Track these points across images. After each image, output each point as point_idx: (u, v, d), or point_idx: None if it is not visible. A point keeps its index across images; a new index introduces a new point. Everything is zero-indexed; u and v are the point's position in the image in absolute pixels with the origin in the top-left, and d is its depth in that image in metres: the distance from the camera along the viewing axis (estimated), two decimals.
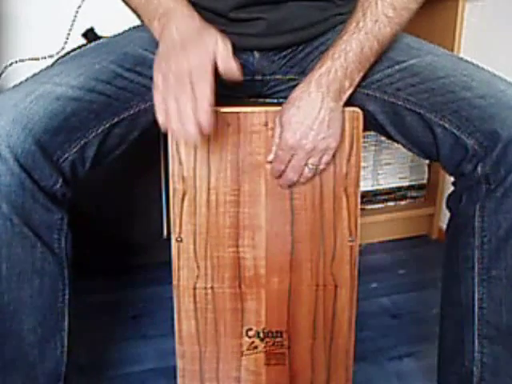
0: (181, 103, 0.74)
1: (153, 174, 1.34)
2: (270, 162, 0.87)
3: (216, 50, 0.76)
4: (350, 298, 0.94)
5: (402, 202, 1.64)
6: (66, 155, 0.80)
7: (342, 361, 0.98)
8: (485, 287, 0.82)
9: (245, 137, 0.87)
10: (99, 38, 1.31)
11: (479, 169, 0.79)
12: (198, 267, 0.92)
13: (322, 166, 0.86)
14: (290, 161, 0.85)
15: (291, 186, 0.89)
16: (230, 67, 0.76)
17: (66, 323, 0.86)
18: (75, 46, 1.30)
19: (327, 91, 0.82)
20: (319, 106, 0.82)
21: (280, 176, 0.88)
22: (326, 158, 0.85)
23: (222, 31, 0.89)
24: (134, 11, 0.89)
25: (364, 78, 0.86)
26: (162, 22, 0.82)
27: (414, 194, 1.64)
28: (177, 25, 0.81)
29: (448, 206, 0.88)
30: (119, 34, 0.96)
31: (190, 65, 0.75)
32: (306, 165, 0.85)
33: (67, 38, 1.37)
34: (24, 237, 0.78)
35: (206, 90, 0.74)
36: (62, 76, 0.83)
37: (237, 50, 0.89)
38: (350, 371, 0.99)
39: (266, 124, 0.86)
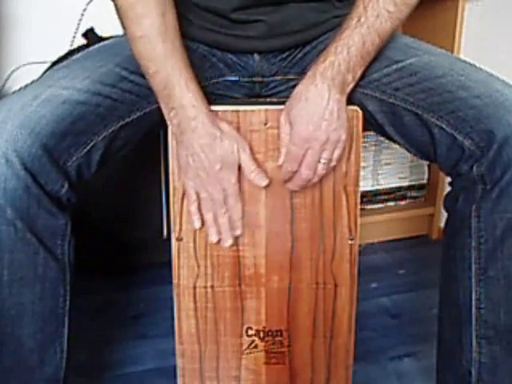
0: (219, 218, 0.87)
1: (153, 174, 1.35)
2: (280, 166, 0.86)
3: (240, 162, 0.85)
4: (350, 296, 0.94)
5: (402, 202, 1.64)
6: (72, 159, 0.80)
7: (341, 360, 0.98)
8: (482, 287, 0.82)
9: (244, 135, 0.86)
10: (99, 37, 1.31)
11: (475, 169, 0.79)
12: (198, 266, 0.92)
13: (333, 163, 0.85)
14: (303, 158, 0.83)
15: (304, 187, 0.87)
16: (259, 179, 0.87)
17: (66, 329, 0.86)
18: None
19: (332, 83, 0.81)
20: (327, 96, 0.81)
21: (291, 179, 0.86)
22: (337, 152, 0.84)
23: (223, 33, 0.90)
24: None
25: (363, 78, 0.86)
26: (181, 128, 0.82)
27: (414, 194, 1.64)
28: (200, 142, 0.82)
29: (445, 207, 0.88)
30: (122, 36, 0.96)
31: (223, 186, 0.84)
32: (319, 161, 0.83)
33: (72, 41, 1.37)
34: (27, 242, 0.78)
35: (237, 206, 0.87)
36: (67, 79, 0.83)
37: (237, 52, 0.90)
38: (350, 371, 0.99)
39: (266, 123, 0.86)
